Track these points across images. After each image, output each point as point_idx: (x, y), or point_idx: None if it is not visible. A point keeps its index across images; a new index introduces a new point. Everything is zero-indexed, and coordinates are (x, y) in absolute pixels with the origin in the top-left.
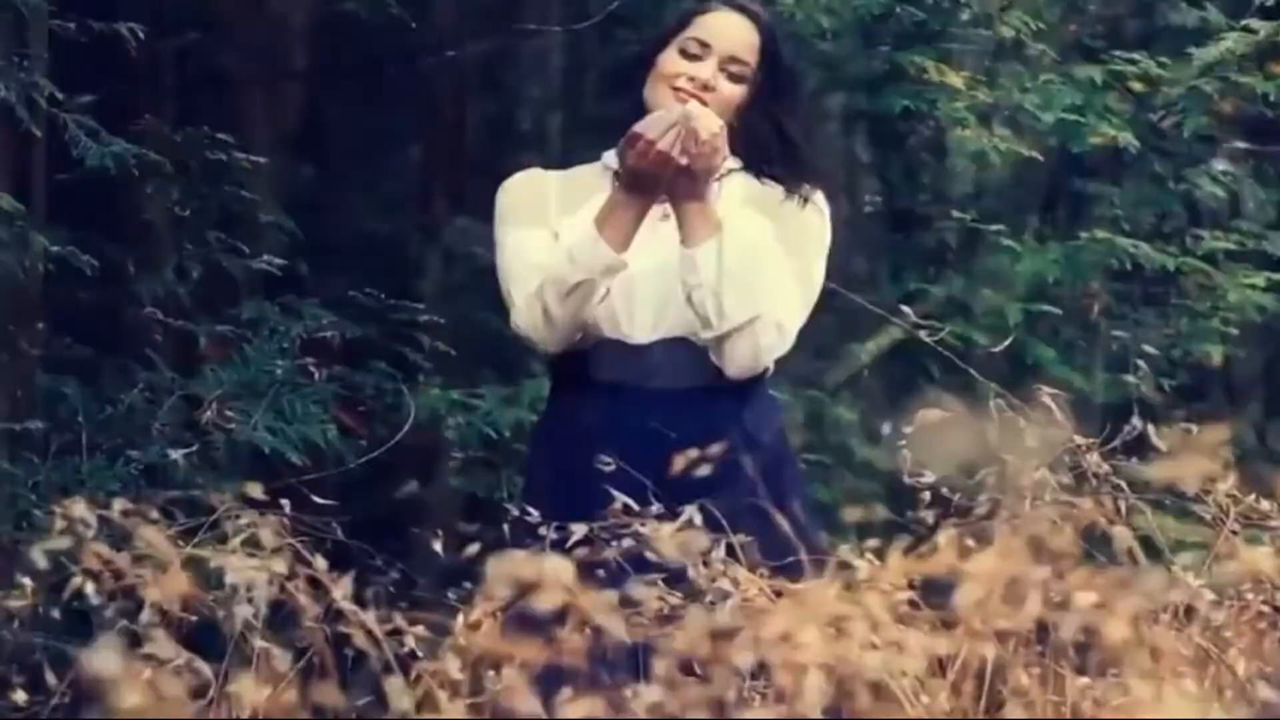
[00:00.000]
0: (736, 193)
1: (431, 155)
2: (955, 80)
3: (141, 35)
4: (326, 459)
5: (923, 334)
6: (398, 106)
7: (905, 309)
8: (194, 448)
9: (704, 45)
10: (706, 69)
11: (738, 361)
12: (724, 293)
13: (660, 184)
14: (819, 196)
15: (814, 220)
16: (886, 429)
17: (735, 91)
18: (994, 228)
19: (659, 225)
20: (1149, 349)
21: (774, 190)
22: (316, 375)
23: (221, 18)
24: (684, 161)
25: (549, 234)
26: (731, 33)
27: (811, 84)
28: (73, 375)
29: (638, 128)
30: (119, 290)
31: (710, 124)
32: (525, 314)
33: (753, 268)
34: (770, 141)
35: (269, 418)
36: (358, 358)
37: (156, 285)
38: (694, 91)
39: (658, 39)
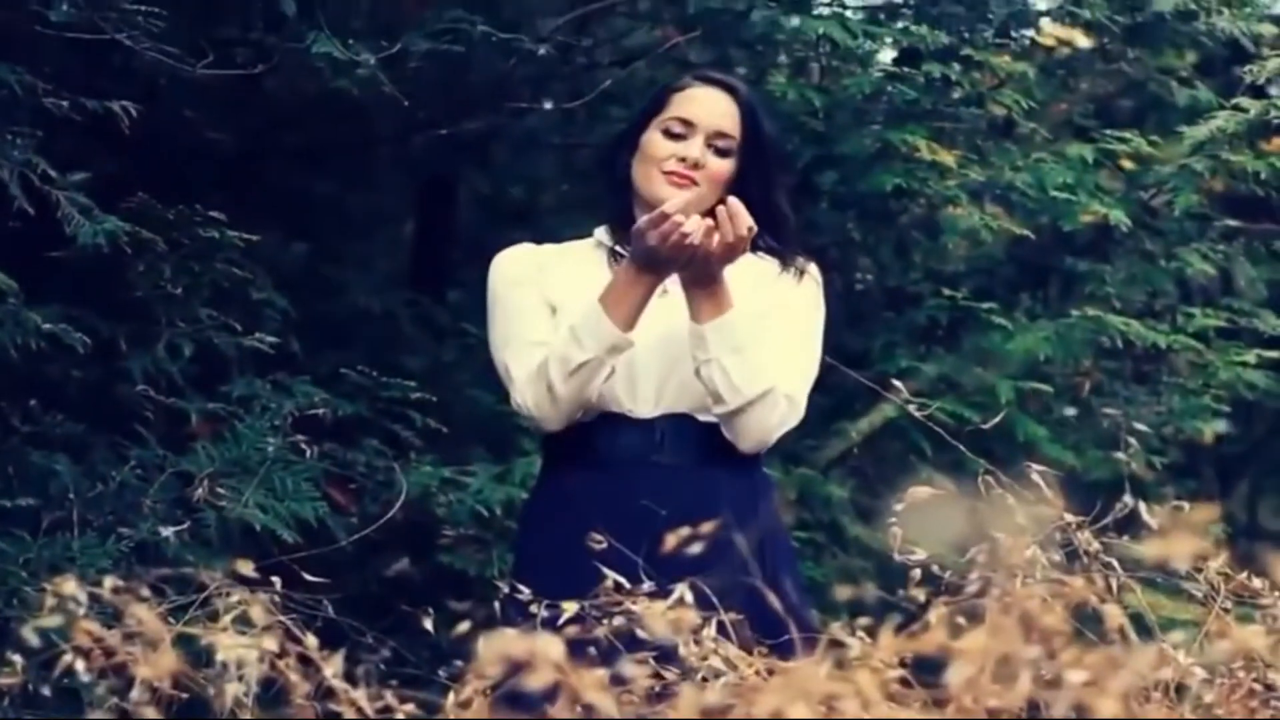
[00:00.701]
0: (736, 266)
1: (423, 232)
2: (947, 158)
3: (134, 113)
4: (317, 536)
5: (914, 409)
6: (390, 184)
7: (897, 384)
8: (185, 525)
9: (687, 124)
10: (694, 147)
11: (751, 435)
12: (735, 368)
13: (676, 267)
14: (813, 267)
15: (812, 291)
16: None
17: (724, 166)
18: (985, 305)
19: (658, 300)
20: (1140, 426)
21: (770, 263)
22: (308, 452)
23: (214, 95)
24: (708, 251)
25: (546, 309)
26: (713, 108)
27: (803, 162)
28: (64, 452)
29: (667, 208)
30: (110, 367)
31: (741, 225)
32: (528, 392)
33: (761, 342)
34: (761, 213)
35: (260, 495)
36: (349, 435)
37: (148, 362)
38: (685, 172)
39: (637, 120)
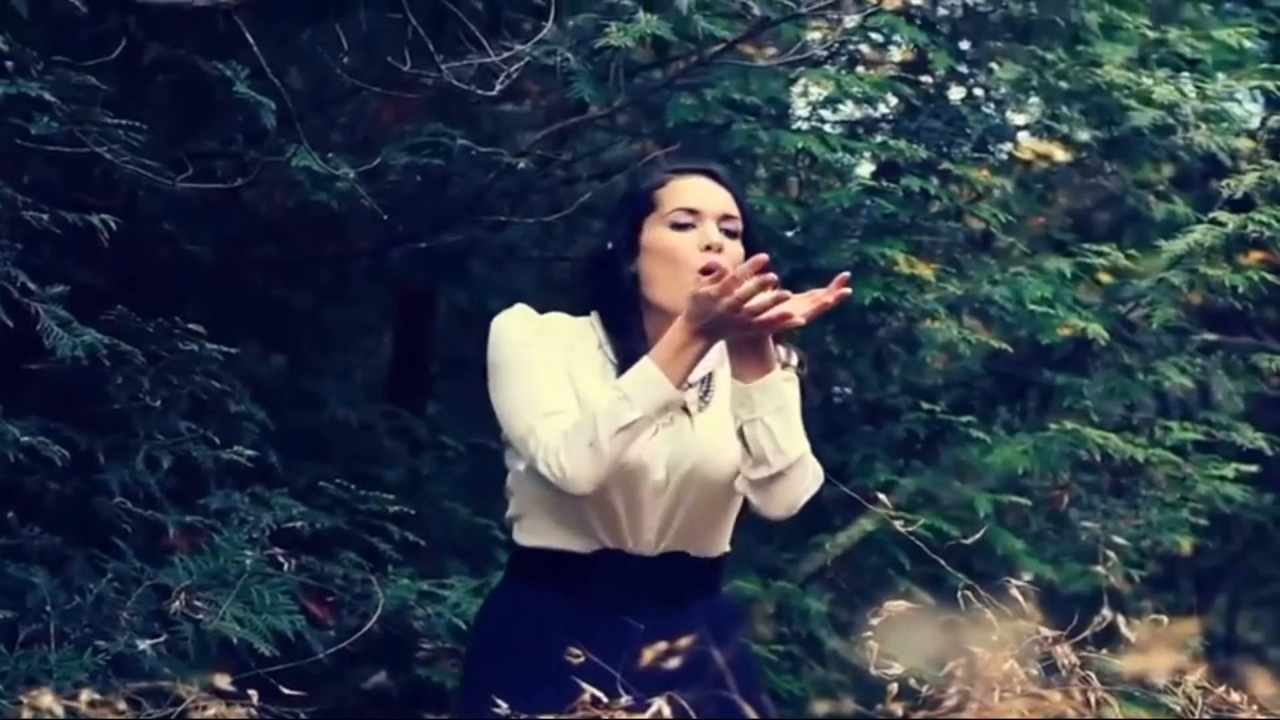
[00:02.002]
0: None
1: (402, 345)
2: (925, 272)
3: (114, 226)
4: (295, 649)
5: (901, 525)
6: (368, 296)
7: (882, 498)
8: (162, 638)
9: (693, 212)
10: (712, 232)
11: (784, 500)
12: (779, 427)
13: (739, 332)
14: (795, 356)
15: (795, 383)
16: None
17: (738, 248)
18: (964, 419)
19: (667, 431)
20: (1118, 539)
21: None
22: (285, 565)
23: (194, 208)
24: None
25: (566, 375)
26: (710, 193)
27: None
28: (41, 564)
29: (737, 273)
30: (88, 480)
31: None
32: (563, 451)
33: (791, 409)
34: None
35: (237, 608)
36: (327, 548)
37: (126, 475)
38: (714, 258)
39: (626, 226)
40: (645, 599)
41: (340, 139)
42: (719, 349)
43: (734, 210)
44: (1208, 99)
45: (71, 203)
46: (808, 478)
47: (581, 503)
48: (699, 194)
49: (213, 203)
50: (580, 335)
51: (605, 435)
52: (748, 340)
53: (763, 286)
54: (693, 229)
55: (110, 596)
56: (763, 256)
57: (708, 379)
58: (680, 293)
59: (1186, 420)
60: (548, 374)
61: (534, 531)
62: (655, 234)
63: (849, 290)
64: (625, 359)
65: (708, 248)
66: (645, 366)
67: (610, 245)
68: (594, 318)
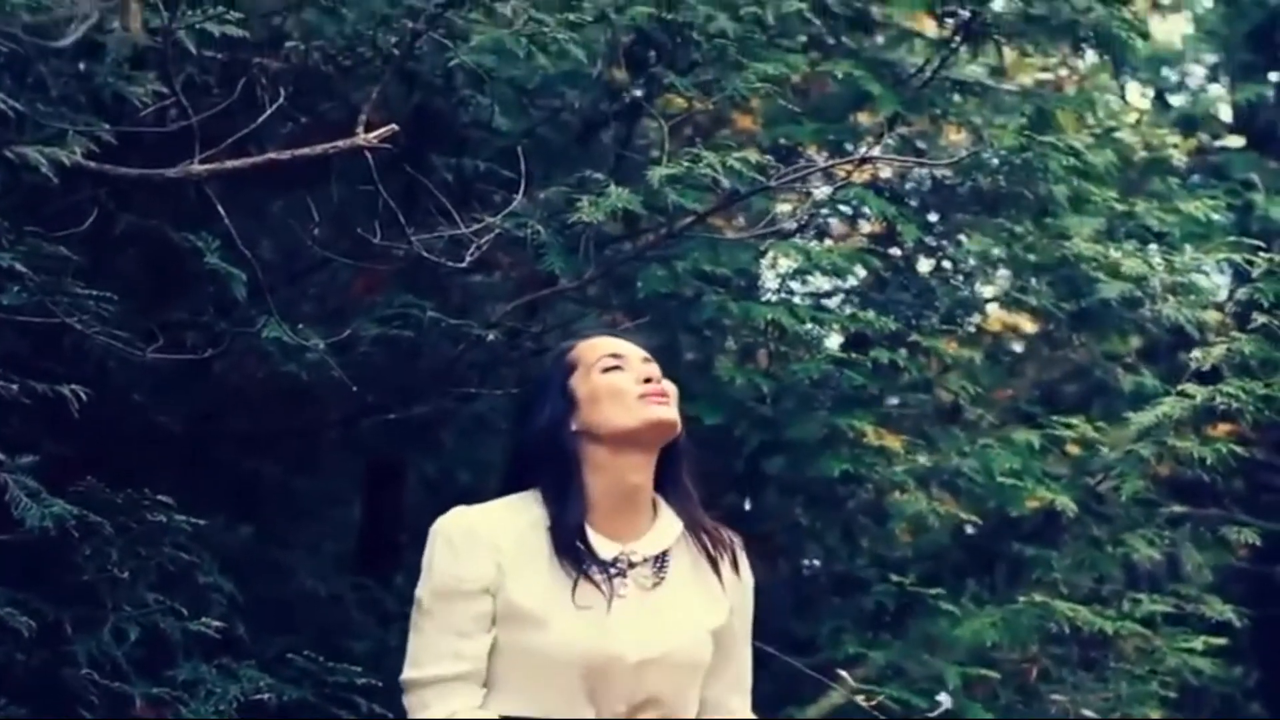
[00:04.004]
0: (686, 573)
1: (371, 516)
2: (894, 444)
3: (84, 396)
4: None
5: (861, 699)
6: (338, 467)
7: (843, 674)
8: None
9: (618, 356)
10: (642, 369)
11: None
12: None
13: None
14: (738, 540)
15: (747, 578)
16: None
17: (671, 386)
18: (933, 591)
19: (638, 603)
20: (1088, 713)
21: (708, 555)
22: None
23: (163, 379)
24: None
25: (483, 620)
26: (623, 343)
27: (750, 448)
28: None
29: None
30: (56, 651)
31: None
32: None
33: (736, 675)
34: (683, 474)
35: None
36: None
37: (93, 646)
38: (654, 392)
39: (558, 389)
40: None
41: (311, 310)
42: (671, 527)
43: (648, 356)
44: (1175, 271)
45: (41, 373)
46: None
47: (560, 677)
48: (614, 344)
49: (183, 373)
50: (518, 526)
51: None
52: None
53: None
54: (622, 370)
55: None
56: None
57: (662, 556)
58: (627, 412)
59: (1155, 592)
60: (461, 630)
61: (510, 701)
62: (589, 383)
63: None
64: (565, 537)
65: (646, 380)
66: None
67: (548, 413)
68: (535, 494)
